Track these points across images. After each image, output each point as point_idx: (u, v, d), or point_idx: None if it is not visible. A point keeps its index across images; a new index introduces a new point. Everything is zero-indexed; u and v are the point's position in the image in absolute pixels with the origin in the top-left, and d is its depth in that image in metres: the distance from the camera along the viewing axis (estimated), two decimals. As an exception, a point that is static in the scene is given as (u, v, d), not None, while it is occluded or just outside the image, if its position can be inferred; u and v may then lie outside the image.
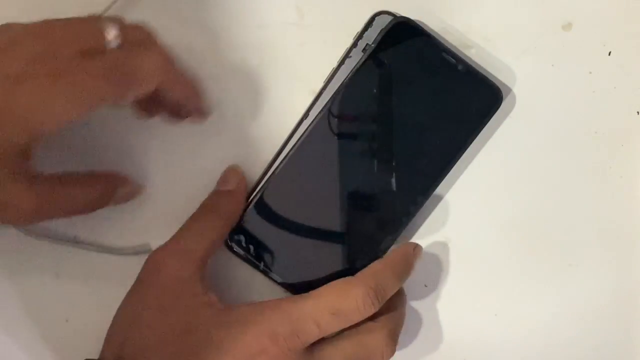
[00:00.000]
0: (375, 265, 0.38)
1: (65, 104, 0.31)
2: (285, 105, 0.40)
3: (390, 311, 0.38)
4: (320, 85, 0.40)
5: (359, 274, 0.37)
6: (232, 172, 0.40)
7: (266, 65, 0.41)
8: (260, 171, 0.40)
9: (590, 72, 0.41)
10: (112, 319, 0.38)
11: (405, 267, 0.38)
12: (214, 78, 0.40)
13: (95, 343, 0.40)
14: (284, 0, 0.40)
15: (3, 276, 0.40)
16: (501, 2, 0.41)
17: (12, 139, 0.32)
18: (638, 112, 0.41)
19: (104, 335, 0.40)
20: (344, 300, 0.36)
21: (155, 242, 0.38)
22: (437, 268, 0.41)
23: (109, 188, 0.38)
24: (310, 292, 0.36)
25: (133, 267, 0.40)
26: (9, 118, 0.31)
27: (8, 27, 0.34)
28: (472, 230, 0.41)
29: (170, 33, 0.38)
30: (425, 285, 0.41)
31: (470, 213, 0.41)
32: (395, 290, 0.37)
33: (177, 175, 0.41)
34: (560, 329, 0.41)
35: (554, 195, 0.41)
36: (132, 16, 0.40)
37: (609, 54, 0.41)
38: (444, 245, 0.41)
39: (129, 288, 0.40)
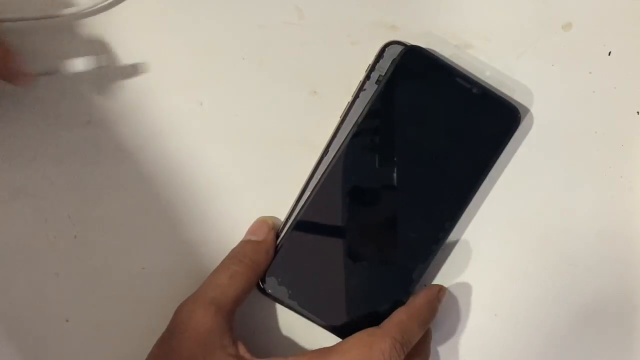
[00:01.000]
0: (400, 315, 0.37)
1: None
2: (285, 105, 0.40)
3: (416, 354, 0.37)
4: (320, 86, 0.40)
5: (383, 325, 0.37)
6: (262, 224, 0.39)
7: (266, 65, 0.41)
8: (257, 175, 0.40)
9: (590, 72, 0.41)
10: (111, 318, 0.38)
11: (430, 312, 0.38)
12: (214, 78, 0.40)
13: (95, 343, 0.40)
14: (284, 0, 0.40)
15: (3, 276, 0.40)
16: (501, 2, 0.41)
17: None
18: (638, 112, 0.41)
19: (104, 335, 0.40)
20: (369, 355, 0.35)
21: (154, 244, 0.38)
22: (437, 268, 0.41)
23: None
24: (335, 346, 0.36)
25: (134, 267, 0.40)
26: None
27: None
28: (471, 230, 0.41)
29: (170, 32, 0.38)
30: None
31: (470, 213, 0.41)
32: (419, 337, 0.37)
33: (172, 180, 0.41)
34: (560, 329, 0.41)
35: (554, 195, 0.41)
36: (129, 16, 0.40)
37: (609, 54, 0.41)
38: (443, 246, 0.41)
39: (128, 287, 0.40)
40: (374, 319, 0.38)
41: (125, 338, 0.40)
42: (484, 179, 0.39)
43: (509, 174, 0.41)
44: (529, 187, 0.41)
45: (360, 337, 0.36)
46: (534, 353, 0.41)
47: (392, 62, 0.38)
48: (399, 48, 0.39)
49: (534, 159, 0.41)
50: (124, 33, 0.40)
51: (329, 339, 0.39)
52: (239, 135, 0.40)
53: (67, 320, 0.40)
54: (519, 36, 0.41)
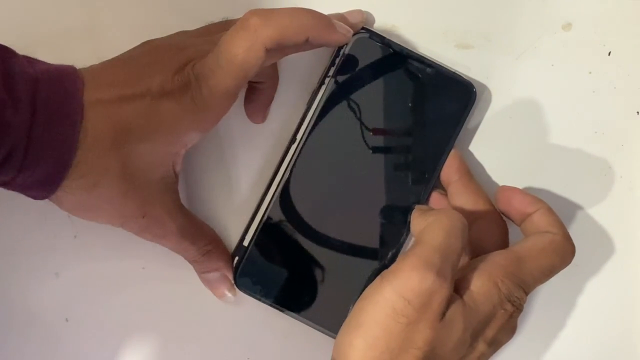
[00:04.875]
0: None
1: None
2: (285, 105, 0.40)
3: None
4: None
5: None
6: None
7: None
8: (259, 176, 0.40)
9: (590, 72, 0.41)
10: (111, 318, 0.38)
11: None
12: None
13: (95, 343, 0.40)
14: (284, 0, 0.40)
15: (3, 276, 0.40)
16: (501, 2, 0.41)
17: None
18: (638, 112, 0.41)
19: (104, 335, 0.40)
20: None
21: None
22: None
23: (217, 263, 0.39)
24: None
25: (134, 267, 0.40)
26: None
27: (148, 43, 0.36)
28: (472, 230, 0.41)
29: (170, 31, 0.38)
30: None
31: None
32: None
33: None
34: (560, 329, 0.41)
35: (554, 195, 0.41)
36: (130, 17, 0.40)
37: (609, 54, 0.41)
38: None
39: (128, 287, 0.40)
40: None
41: (125, 338, 0.40)
42: (446, 158, 0.39)
43: (508, 171, 0.41)
44: (528, 187, 0.41)
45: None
46: (533, 353, 0.41)
47: (344, 48, 0.38)
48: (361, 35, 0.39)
49: (534, 160, 0.41)
50: None
51: (310, 333, 0.39)
52: (239, 136, 0.41)
53: (67, 320, 0.40)
54: (519, 36, 0.41)
